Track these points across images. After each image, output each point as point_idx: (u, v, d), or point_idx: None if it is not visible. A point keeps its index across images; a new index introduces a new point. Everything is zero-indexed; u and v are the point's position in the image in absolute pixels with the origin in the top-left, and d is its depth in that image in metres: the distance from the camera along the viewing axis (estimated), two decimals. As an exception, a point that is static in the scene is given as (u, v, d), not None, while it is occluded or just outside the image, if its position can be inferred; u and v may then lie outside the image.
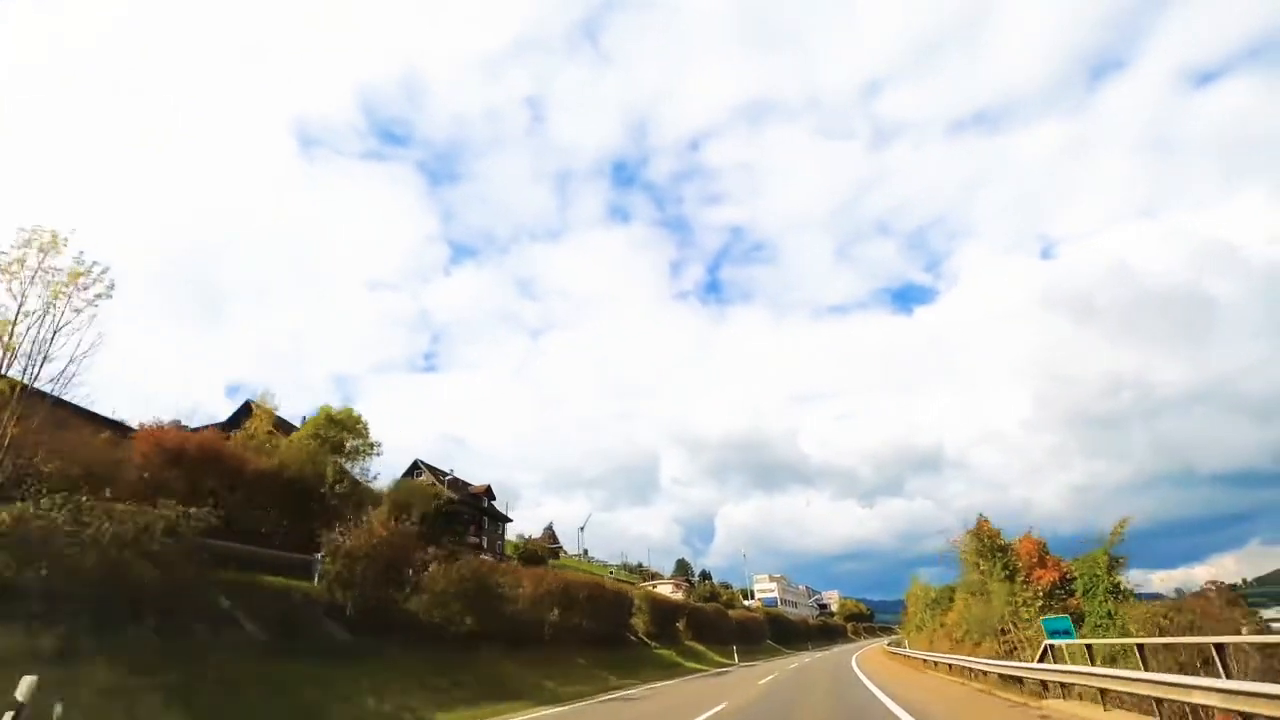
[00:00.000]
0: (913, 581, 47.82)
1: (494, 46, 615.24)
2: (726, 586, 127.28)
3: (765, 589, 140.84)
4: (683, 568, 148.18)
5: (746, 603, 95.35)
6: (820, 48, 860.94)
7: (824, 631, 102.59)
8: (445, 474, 59.96)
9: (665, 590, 58.05)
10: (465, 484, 61.23)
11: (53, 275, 12.00)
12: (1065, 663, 13.55)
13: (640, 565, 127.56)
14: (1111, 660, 14.03)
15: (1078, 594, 19.63)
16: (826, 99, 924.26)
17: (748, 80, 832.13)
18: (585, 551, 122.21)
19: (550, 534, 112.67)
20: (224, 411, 33.59)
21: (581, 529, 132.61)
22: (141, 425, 18.40)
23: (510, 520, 64.12)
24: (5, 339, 11.25)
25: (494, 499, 62.29)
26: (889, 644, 67.12)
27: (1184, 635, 13.99)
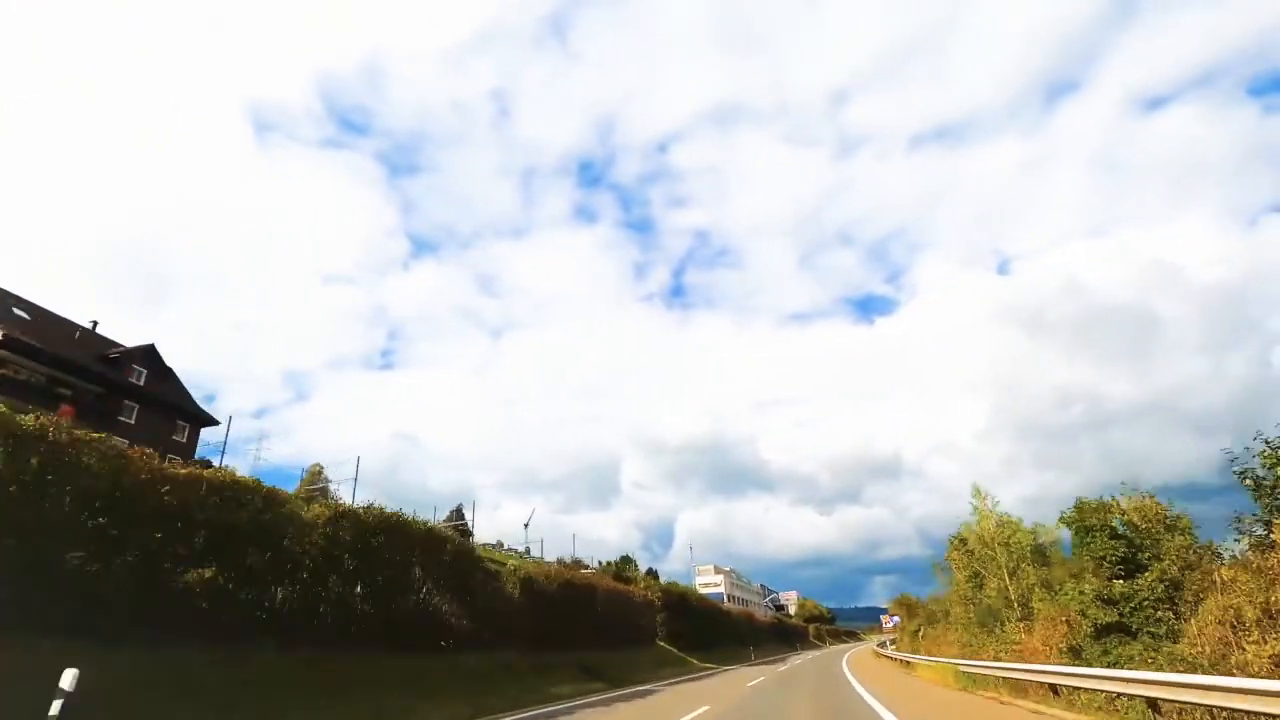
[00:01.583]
0: (978, 509, 22.16)
1: (460, 36, 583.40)
2: (674, 585, 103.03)
3: (710, 582, 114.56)
4: (627, 561, 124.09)
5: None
6: (790, 54, 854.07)
7: (778, 633, 76.19)
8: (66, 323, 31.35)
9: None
10: (107, 341, 32.78)
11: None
12: None
13: (576, 560, 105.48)
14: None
15: None
16: (795, 106, 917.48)
17: (717, 83, 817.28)
18: (528, 549, 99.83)
19: (457, 513, 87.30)
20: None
21: (526, 525, 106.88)
22: None
23: (216, 422, 35.61)
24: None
25: (166, 375, 33.79)
26: (878, 646, 43.82)
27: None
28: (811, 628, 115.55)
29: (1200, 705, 7.71)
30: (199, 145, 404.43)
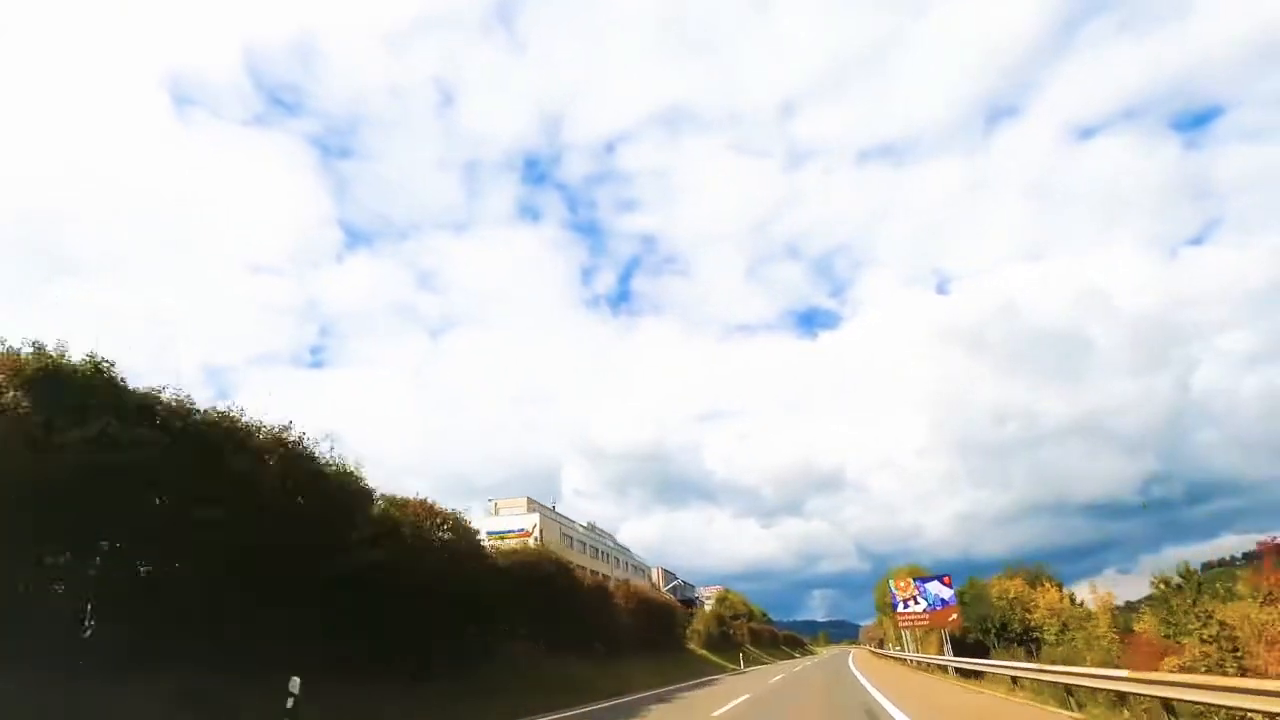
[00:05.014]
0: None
1: (401, 15, 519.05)
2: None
3: (512, 529, 57.94)
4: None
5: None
6: (740, 61, 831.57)
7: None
8: None
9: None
10: None
11: None
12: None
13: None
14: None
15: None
16: (744, 114, 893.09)
17: (667, 85, 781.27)
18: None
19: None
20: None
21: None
22: None
23: None
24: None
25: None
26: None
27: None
28: (737, 625, 60.11)
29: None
30: (109, 113, 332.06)
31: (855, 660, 47.85)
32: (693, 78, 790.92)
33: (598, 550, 67.75)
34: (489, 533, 53.53)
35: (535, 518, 53.28)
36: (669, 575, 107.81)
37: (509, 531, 53.25)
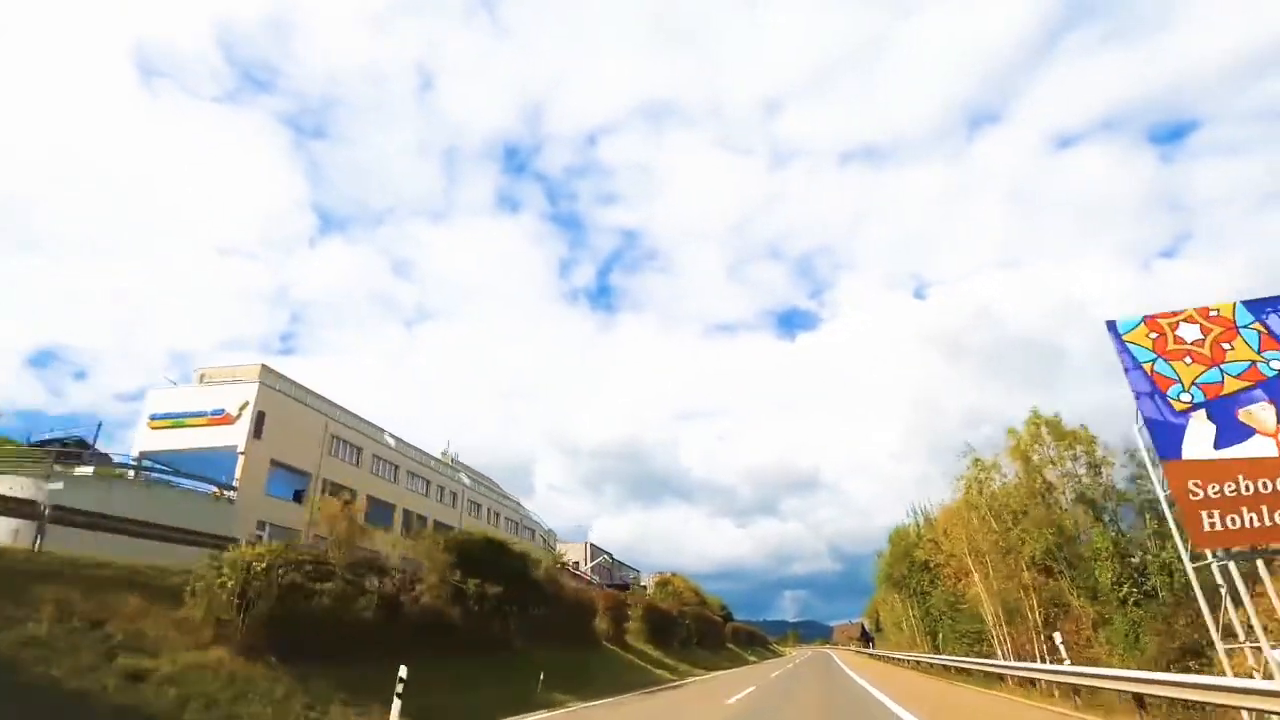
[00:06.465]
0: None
1: None
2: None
3: (198, 406, 30.38)
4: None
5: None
6: (726, 57, 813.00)
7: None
8: None
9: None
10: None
11: None
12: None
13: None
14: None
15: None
16: (728, 110, 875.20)
17: (651, 78, 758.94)
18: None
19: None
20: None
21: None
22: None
23: None
24: None
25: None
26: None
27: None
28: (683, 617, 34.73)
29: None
30: (71, 82, 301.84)
31: (864, 677, 24.32)
32: (677, 71, 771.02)
33: (432, 486, 43.11)
34: (155, 415, 28.97)
35: (251, 390, 28.53)
36: (597, 550, 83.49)
37: (192, 415, 28.52)
